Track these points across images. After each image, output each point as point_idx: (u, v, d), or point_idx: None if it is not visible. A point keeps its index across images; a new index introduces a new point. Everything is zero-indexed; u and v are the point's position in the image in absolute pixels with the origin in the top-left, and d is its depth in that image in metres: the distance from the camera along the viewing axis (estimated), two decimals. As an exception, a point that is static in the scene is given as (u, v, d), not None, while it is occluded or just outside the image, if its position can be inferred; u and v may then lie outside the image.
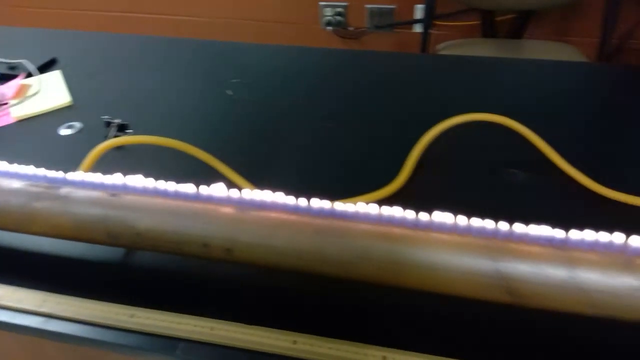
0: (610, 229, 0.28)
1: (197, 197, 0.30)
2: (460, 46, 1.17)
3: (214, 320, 0.31)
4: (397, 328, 0.32)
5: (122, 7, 1.85)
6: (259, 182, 0.43)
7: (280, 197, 0.30)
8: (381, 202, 0.42)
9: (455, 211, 0.29)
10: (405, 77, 0.64)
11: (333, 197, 0.32)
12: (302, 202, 0.29)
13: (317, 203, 0.29)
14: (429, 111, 0.48)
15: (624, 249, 0.27)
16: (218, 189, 0.30)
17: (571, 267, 0.27)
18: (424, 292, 0.29)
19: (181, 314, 0.32)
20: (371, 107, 0.57)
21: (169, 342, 0.31)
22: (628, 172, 0.46)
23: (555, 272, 0.27)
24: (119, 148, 0.48)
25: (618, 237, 0.27)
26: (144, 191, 0.31)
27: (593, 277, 0.27)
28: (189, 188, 0.30)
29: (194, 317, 0.32)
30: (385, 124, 0.54)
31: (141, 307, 0.33)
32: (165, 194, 0.30)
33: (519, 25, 1.24)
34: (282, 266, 0.30)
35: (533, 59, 0.68)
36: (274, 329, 0.31)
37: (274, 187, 0.31)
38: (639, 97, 0.59)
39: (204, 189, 0.30)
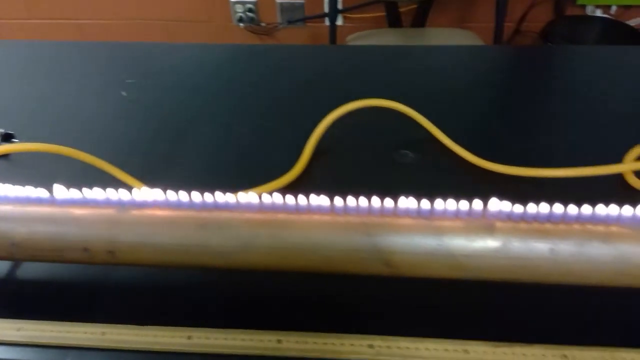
0: (489, 196, 0.30)
1: (74, 202, 0.29)
2: (368, 37, 1.21)
3: (105, 325, 0.31)
4: (290, 311, 0.33)
5: (21, 14, 1.75)
6: (157, 182, 0.43)
7: (160, 194, 0.30)
8: (279, 191, 0.43)
9: (350, 194, 0.31)
10: (310, 68, 0.65)
11: (234, 191, 0.32)
12: (184, 197, 0.30)
13: (199, 197, 0.30)
14: (332, 100, 0.49)
15: (484, 213, 0.29)
16: (96, 192, 0.30)
17: (439, 235, 0.29)
18: (312, 274, 0.30)
19: (71, 322, 0.31)
20: (274, 99, 0.57)
21: (58, 352, 0.30)
22: (511, 145, 0.49)
23: (425, 241, 0.29)
24: (4, 159, 0.46)
25: (479, 204, 0.30)
26: (17, 200, 0.29)
27: (459, 243, 0.29)
28: (64, 193, 0.29)
29: (84, 324, 0.31)
30: (288, 115, 0.55)
31: (29, 319, 0.32)
32: (40, 201, 0.29)
33: (422, 14, 1.29)
34: (168, 263, 0.30)
35: (433, 45, 0.72)
36: (168, 327, 0.31)
37: (174, 187, 0.31)
38: (524, 74, 0.64)
39: (80, 193, 0.30)
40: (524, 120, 0.53)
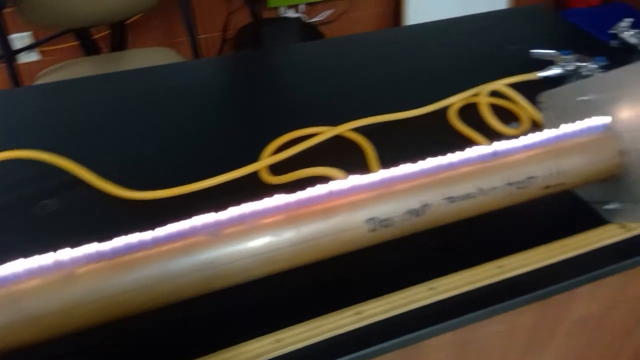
0: (132, 227, 0.30)
1: None
2: (61, 70, 1.12)
3: None
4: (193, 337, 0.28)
5: None
6: None
7: None
8: None
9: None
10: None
11: None
12: None
13: None
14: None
15: (62, 264, 0.28)
16: None
17: (16, 301, 0.27)
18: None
19: None
20: None
21: None
22: (161, 169, 0.50)
23: (-4, 315, 0.26)
24: None
25: (61, 254, 0.28)
26: None
27: (40, 304, 0.27)
28: None
29: None
30: None
31: None
32: None
33: (119, 38, 1.25)
34: None
35: (131, 69, 0.69)
36: None
37: None
38: (196, 89, 0.65)
39: None
40: (177, 139, 0.54)
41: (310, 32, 1.47)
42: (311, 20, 1.68)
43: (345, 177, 0.42)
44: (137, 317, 0.30)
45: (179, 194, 0.45)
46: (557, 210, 0.45)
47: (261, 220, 0.32)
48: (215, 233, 0.31)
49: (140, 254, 0.30)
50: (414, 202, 0.34)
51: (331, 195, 0.33)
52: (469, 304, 0.37)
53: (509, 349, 0.46)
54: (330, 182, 0.33)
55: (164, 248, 0.30)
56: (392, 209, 0.34)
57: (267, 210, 0.32)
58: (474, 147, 0.36)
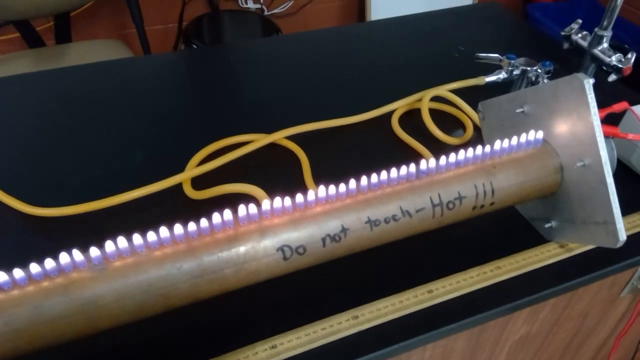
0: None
1: None
2: (2, 64, 1.05)
3: None
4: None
5: None
6: None
7: None
8: None
9: None
10: None
11: None
12: None
13: None
14: None
15: None
16: None
17: None
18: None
19: None
20: None
21: None
22: (73, 182, 0.46)
23: None
24: None
25: None
26: None
27: None
28: None
29: None
30: None
31: None
32: None
33: (63, 30, 1.18)
34: None
35: (75, 65, 0.64)
36: None
37: None
38: (108, 95, 0.60)
39: None
40: (102, 148, 0.50)
41: (268, 25, 1.43)
42: (271, 12, 1.63)
43: (266, 197, 0.39)
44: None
45: (89, 210, 0.41)
46: (496, 228, 0.42)
47: (155, 252, 0.28)
48: (101, 267, 0.27)
49: (14, 292, 0.26)
50: (331, 226, 0.31)
51: (239, 221, 0.30)
52: (396, 333, 0.34)
53: (447, 372, 0.44)
54: (239, 207, 0.30)
55: (42, 285, 0.26)
56: (307, 235, 0.30)
57: (165, 240, 0.29)
58: (402, 166, 0.33)
